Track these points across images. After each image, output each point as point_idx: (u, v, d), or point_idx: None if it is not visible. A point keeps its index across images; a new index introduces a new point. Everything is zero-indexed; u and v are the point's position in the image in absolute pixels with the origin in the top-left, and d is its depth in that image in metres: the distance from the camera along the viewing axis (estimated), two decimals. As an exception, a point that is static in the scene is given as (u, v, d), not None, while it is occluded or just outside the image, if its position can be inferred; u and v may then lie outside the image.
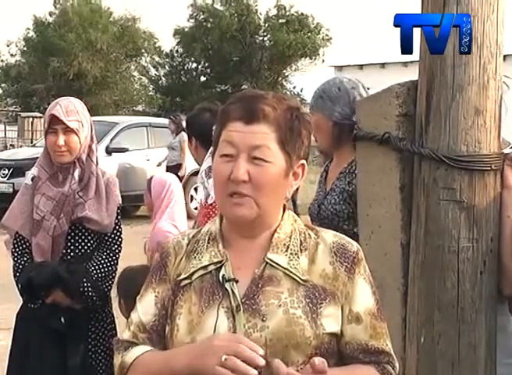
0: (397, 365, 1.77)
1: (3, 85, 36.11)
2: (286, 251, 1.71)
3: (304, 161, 1.74)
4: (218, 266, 1.71)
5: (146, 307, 1.76)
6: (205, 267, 1.72)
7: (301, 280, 1.68)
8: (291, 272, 1.69)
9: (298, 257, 1.71)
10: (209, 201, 3.41)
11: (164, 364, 1.65)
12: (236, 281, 1.68)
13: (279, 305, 1.65)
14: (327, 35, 36.33)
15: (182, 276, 1.73)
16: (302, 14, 35.92)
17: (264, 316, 1.65)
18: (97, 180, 3.26)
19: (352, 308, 1.71)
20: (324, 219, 3.02)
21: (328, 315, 1.68)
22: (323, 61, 35.36)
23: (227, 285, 1.68)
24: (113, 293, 3.36)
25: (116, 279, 3.39)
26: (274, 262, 1.70)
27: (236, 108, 1.69)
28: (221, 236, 1.75)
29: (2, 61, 35.89)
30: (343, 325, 1.70)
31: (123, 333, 1.78)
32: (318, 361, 1.55)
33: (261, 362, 1.52)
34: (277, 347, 1.62)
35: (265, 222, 1.72)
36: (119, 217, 3.33)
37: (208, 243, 1.75)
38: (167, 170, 12.61)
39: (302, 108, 1.77)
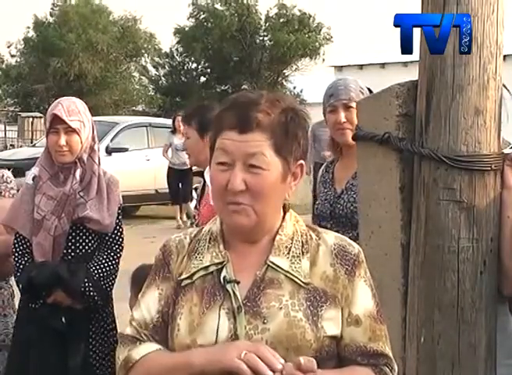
0: (396, 367, 1.77)
1: (3, 86, 36.04)
2: (288, 253, 1.71)
3: (302, 161, 1.73)
4: (220, 267, 1.71)
5: (149, 304, 1.76)
6: (206, 268, 1.72)
7: (302, 283, 1.68)
8: (292, 275, 1.68)
9: (300, 260, 1.71)
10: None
11: (179, 359, 1.64)
12: (238, 282, 1.68)
13: (280, 308, 1.65)
14: (328, 34, 36.31)
15: (183, 276, 1.73)
16: (304, 13, 35.87)
17: (266, 318, 1.64)
18: (98, 180, 3.26)
19: (351, 311, 1.71)
20: (340, 218, 3.13)
21: (328, 318, 1.68)
22: (323, 60, 35.37)
23: (228, 286, 1.67)
24: (114, 292, 3.36)
25: (131, 274, 3.40)
26: (275, 265, 1.69)
27: (230, 117, 1.68)
28: (222, 236, 1.75)
29: (2, 62, 35.89)
30: (342, 327, 1.70)
31: (126, 328, 1.77)
32: (304, 360, 1.54)
33: (280, 365, 1.53)
34: (278, 350, 1.61)
35: (265, 227, 1.72)
36: (120, 217, 3.33)
37: (209, 243, 1.75)
38: (182, 173, 12.45)
39: (297, 106, 1.75)
